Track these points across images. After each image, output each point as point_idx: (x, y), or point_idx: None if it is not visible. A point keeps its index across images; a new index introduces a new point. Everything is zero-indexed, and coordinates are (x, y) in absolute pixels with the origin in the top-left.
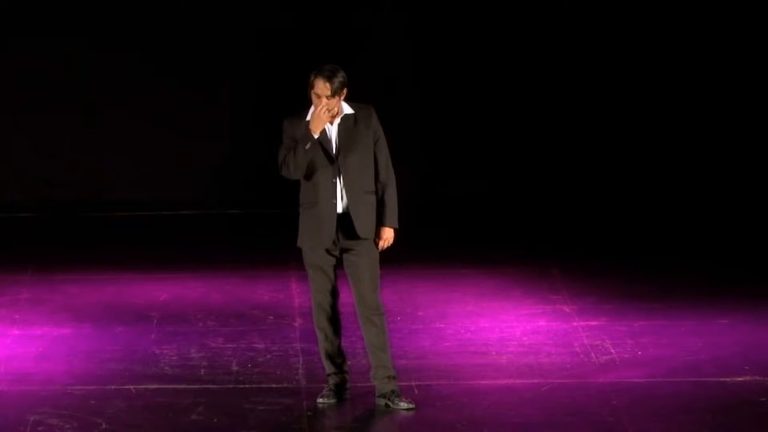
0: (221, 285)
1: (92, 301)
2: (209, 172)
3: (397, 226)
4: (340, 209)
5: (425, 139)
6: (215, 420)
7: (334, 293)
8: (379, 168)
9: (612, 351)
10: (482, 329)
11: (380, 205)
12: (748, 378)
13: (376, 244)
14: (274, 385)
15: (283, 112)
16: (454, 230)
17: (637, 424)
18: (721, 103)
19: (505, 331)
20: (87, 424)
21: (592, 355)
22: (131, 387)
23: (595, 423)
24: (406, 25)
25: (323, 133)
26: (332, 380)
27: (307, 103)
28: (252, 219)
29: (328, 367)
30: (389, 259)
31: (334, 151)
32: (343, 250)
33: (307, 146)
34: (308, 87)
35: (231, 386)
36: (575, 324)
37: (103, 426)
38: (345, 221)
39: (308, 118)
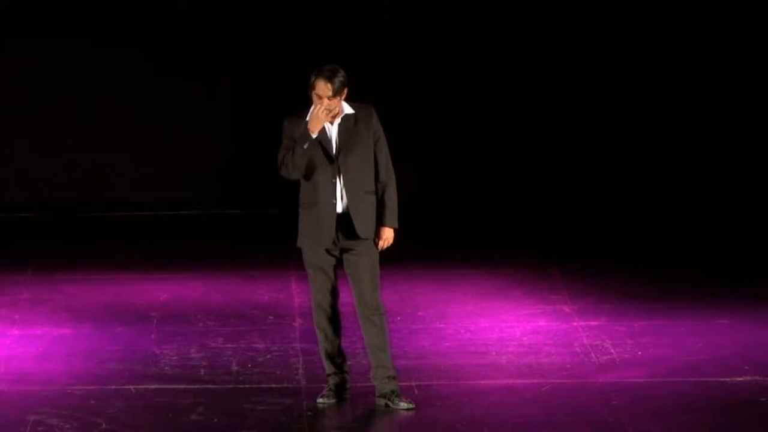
0: (221, 285)
1: (92, 301)
2: (209, 172)
3: (397, 226)
4: (340, 209)
5: (425, 139)
6: (215, 420)
7: (334, 293)
8: (379, 168)
9: (612, 351)
10: (482, 329)
11: (380, 205)
12: (748, 378)
13: (376, 244)
14: (274, 385)
15: (283, 112)
16: (454, 230)
17: (637, 424)
18: (721, 103)
19: (505, 331)
20: (87, 424)
21: (592, 355)
22: (131, 387)
23: (595, 423)
24: (406, 25)
25: (323, 132)
26: (332, 380)
27: (308, 103)
28: (252, 219)
29: (328, 367)
30: (389, 259)
31: (334, 151)
32: (343, 250)
33: (306, 146)
34: (309, 87)
35: (231, 386)
36: (575, 324)
37: (103, 426)
38: (345, 221)
39: (308, 118)
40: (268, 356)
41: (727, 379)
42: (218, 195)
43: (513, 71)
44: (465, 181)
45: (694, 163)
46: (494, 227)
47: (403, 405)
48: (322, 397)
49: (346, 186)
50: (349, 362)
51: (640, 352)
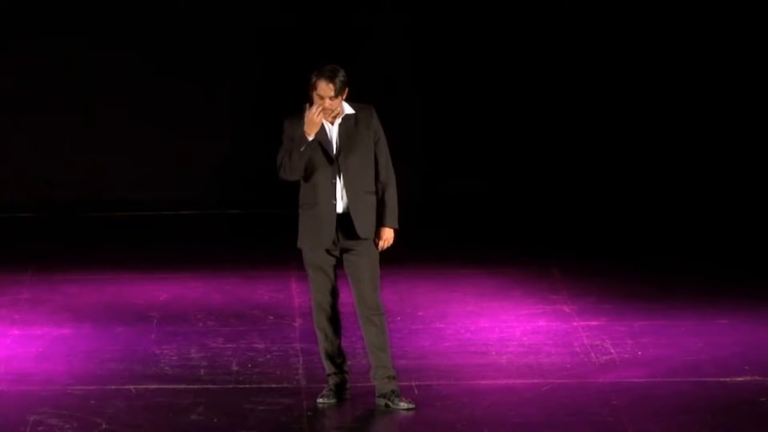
0: (221, 285)
1: (92, 301)
2: (209, 172)
3: (397, 226)
4: (340, 209)
5: (425, 139)
6: (215, 420)
7: (334, 293)
8: (379, 168)
9: (612, 351)
10: (482, 329)
11: (380, 205)
12: (748, 378)
13: (376, 245)
14: (274, 385)
15: (283, 112)
16: (454, 230)
17: (637, 424)
18: (721, 103)
19: (505, 331)
20: (87, 424)
21: (592, 355)
22: (131, 387)
23: (595, 423)
24: (406, 25)
25: (324, 133)
26: (332, 380)
27: (308, 103)
28: (252, 219)
29: (328, 367)
30: (389, 259)
31: (334, 151)
32: (343, 250)
33: (302, 149)
34: (309, 88)
35: (231, 386)
36: (575, 324)
37: (103, 426)
38: (345, 221)
39: (306, 119)
40: (268, 356)
41: (727, 379)
42: (218, 195)
43: (513, 71)
44: (465, 181)
45: (694, 163)
46: (494, 227)
47: (403, 405)
48: (322, 397)
49: (347, 186)
50: (349, 362)
51: (640, 352)
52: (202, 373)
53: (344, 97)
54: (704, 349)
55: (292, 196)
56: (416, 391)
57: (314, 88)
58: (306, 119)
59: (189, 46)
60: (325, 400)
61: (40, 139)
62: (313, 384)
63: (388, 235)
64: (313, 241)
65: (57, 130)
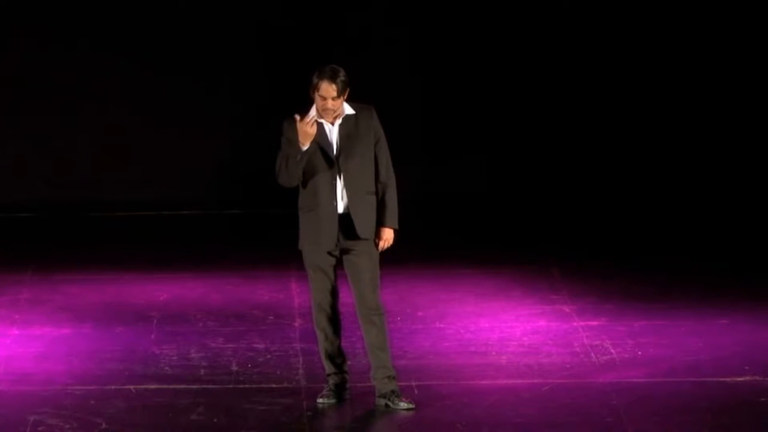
0: (221, 285)
1: (92, 301)
2: (209, 172)
3: (397, 226)
4: (340, 210)
5: (425, 139)
6: (215, 420)
7: (334, 293)
8: (379, 168)
9: (612, 351)
10: (482, 329)
11: (380, 205)
12: (748, 378)
13: (376, 245)
14: (274, 385)
15: (284, 112)
16: (454, 230)
17: (637, 424)
18: (721, 103)
19: (505, 331)
20: (87, 424)
21: (592, 355)
22: (131, 387)
23: (595, 423)
24: (406, 26)
25: (324, 134)
26: (332, 380)
27: (308, 103)
28: (252, 219)
29: (328, 367)
30: (389, 259)
31: (334, 151)
32: (343, 251)
33: (298, 158)
34: (311, 89)
35: (231, 386)
36: (575, 324)
37: (103, 426)
38: (345, 222)
39: (307, 119)
40: (268, 356)
41: (727, 379)
42: (218, 195)
43: (513, 71)
44: (465, 181)
45: (695, 162)
46: (494, 227)
47: (403, 405)
48: (322, 397)
49: (347, 186)
50: (349, 362)
51: (640, 352)
52: (202, 373)
53: (345, 97)
54: (704, 349)
55: (292, 196)
56: (416, 391)
57: (316, 89)
58: (299, 131)
59: (189, 46)
60: (325, 400)
61: (40, 139)
62: (313, 384)
63: (388, 236)
64: (315, 244)
65: (57, 130)
